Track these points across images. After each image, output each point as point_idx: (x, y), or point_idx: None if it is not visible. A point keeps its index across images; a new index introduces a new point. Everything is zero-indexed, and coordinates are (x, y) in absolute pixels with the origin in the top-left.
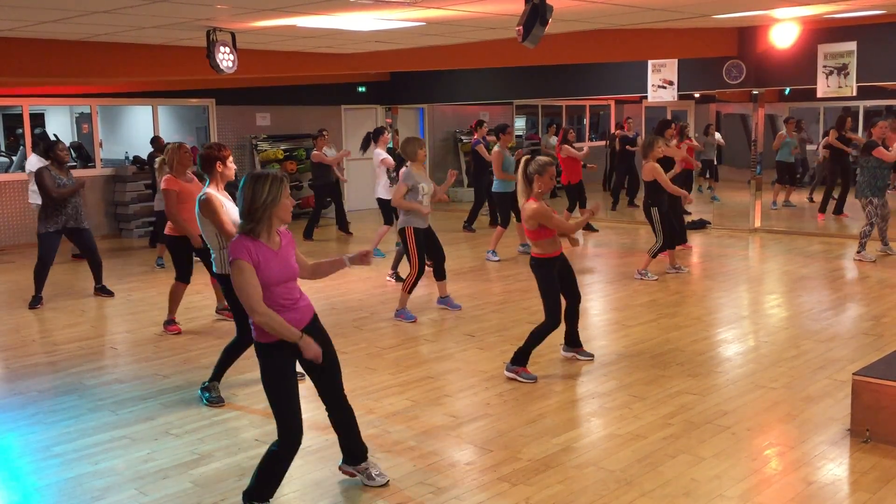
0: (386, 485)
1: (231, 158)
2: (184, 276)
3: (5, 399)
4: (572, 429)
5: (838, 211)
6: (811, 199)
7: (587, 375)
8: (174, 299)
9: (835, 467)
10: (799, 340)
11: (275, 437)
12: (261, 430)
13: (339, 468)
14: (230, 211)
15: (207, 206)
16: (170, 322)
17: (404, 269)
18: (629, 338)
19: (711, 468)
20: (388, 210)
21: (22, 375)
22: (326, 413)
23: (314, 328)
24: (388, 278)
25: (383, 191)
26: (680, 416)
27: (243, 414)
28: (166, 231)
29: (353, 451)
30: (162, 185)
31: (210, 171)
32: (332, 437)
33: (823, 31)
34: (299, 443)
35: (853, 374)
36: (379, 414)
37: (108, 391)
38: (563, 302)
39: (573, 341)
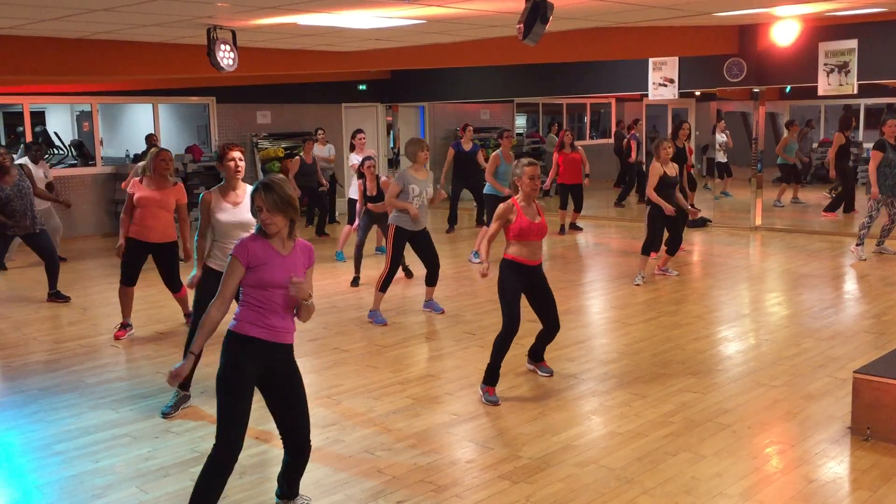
0: None
1: (230, 156)
2: (127, 280)
3: (6, 397)
4: (573, 427)
5: (830, 209)
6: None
7: (587, 374)
8: (123, 302)
9: (835, 465)
10: (800, 338)
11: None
12: (260, 429)
13: None
14: (216, 212)
15: (200, 204)
16: (122, 326)
17: (413, 265)
18: (630, 336)
19: (712, 466)
20: (354, 210)
21: (23, 373)
22: (284, 449)
23: (281, 358)
24: (350, 283)
25: (354, 191)
26: (680, 414)
27: None
28: (130, 233)
29: (290, 488)
30: (129, 187)
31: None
32: (330, 435)
33: (824, 29)
34: (234, 455)
35: (854, 372)
36: (379, 412)
37: (109, 389)
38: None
39: (535, 355)
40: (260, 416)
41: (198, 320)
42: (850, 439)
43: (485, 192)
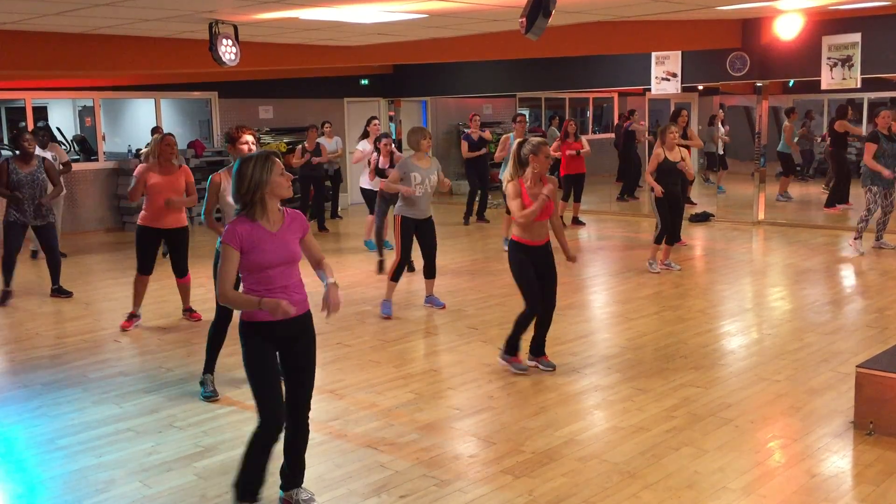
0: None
1: (244, 139)
2: (143, 269)
3: (10, 392)
4: (575, 421)
5: (830, 204)
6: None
7: (590, 368)
8: (137, 291)
9: (838, 460)
10: (802, 333)
11: None
12: None
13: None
14: (227, 194)
15: (208, 187)
16: (130, 316)
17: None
18: (632, 330)
19: (715, 461)
20: (371, 199)
21: (26, 368)
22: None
23: (301, 327)
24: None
25: (365, 181)
26: (683, 408)
27: (246, 407)
28: (139, 220)
29: (293, 475)
30: (135, 171)
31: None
32: (333, 429)
33: (827, 23)
34: (280, 428)
35: (857, 366)
36: (382, 407)
37: (112, 384)
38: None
39: (537, 349)
40: None
41: (220, 313)
42: (852, 434)
43: (500, 176)
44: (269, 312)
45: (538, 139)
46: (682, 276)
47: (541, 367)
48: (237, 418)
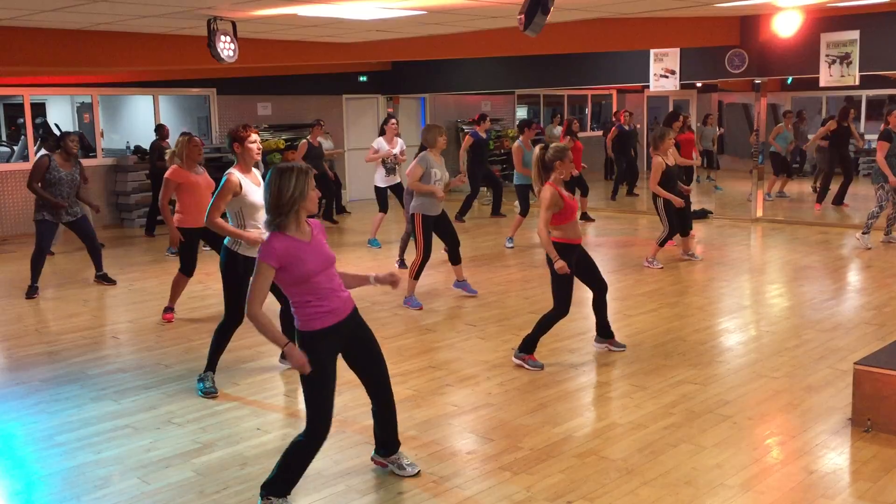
0: (417, 475)
1: (252, 139)
2: (187, 269)
3: (8, 388)
4: (573, 418)
5: (838, 201)
6: (815, 189)
7: (588, 365)
8: (176, 289)
9: (836, 456)
10: (800, 330)
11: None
12: (262, 420)
13: (372, 459)
14: (249, 193)
15: (222, 185)
16: (167, 309)
17: (410, 256)
18: (631, 327)
19: (713, 457)
20: (383, 198)
21: (24, 365)
22: (371, 402)
23: (355, 321)
24: (395, 265)
25: (379, 179)
26: (681, 405)
27: (245, 403)
28: (177, 224)
29: (388, 442)
30: (166, 174)
31: (233, 150)
32: (335, 427)
33: (826, 20)
34: (328, 433)
35: (854, 363)
36: None
37: (111, 380)
38: (591, 293)
39: (605, 332)
40: (262, 409)
41: (232, 316)
42: (850, 430)
43: (515, 182)
44: (287, 358)
45: (561, 145)
46: (680, 273)
47: (612, 348)
48: (236, 415)
